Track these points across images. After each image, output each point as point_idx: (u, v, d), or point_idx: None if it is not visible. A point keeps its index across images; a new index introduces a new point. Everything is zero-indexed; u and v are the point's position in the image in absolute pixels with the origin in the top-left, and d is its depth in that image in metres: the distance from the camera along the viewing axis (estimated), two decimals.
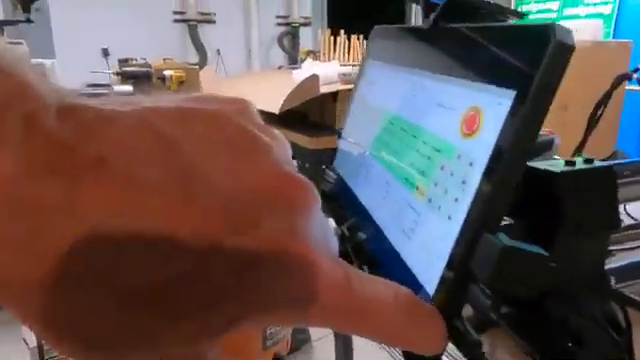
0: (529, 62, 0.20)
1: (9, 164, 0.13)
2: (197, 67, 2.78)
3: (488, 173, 0.21)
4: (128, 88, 1.83)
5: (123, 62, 4.71)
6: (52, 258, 0.13)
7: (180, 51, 5.37)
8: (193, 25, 5.39)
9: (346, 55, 5.69)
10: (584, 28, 3.53)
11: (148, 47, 4.99)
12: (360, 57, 5.83)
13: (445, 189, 0.24)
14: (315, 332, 1.02)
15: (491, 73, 0.23)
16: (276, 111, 2.20)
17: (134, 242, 0.14)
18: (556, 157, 0.56)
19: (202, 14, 5.44)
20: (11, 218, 0.13)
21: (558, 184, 0.28)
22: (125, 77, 2.25)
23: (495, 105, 0.22)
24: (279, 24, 5.99)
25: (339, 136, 0.44)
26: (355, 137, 0.42)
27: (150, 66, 2.46)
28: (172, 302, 0.15)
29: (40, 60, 2.85)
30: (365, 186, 0.35)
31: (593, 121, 0.75)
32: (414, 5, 7.02)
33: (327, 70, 2.66)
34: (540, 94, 0.19)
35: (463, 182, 0.23)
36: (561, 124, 3.84)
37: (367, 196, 0.34)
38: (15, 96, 0.14)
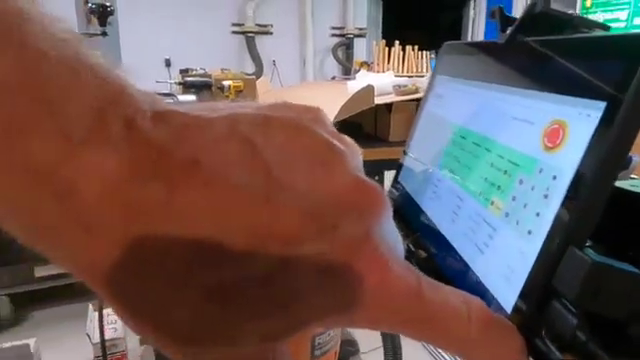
0: (622, 72, 0.19)
1: (114, 165, 0.14)
2: (254, 77, 2.85)
3: (574, 188, 0.21)
4: (192, 97, 1.90)
5: (184, 72, 4.93)
6: (149, 253, 0.14)
7: (237, 61, 5.54)
8: (250, 37, 5.55)
9: (401, 66, 5.66)
10: None
11: (207, 57, 5.19)
12: (415, 68, 5.78)
13: (524, 203, 0.24)
14: (364, 344, 1.01)
15: (577, 85, 0.23)
16: (332, 120, 2.21)
17: (225, 241, 0.15)
18: (634, 177, 0.54)
19: (259, 26, 5.59)
20: (117, 217, 0.14)
21: None
22: (187, 87, 2.34)
23: (583, 117, 0.21)
24: (334, 35, 6.06)
25: (404, 152, 0.44)
26: (422, 151, 0.41)
27: (210, 76, 2.55)
28: (254, 300, 0.15)
29: None
30: (434, 201, 0.35)
31: None
32: (471, 14, 6.90)
33: (381, 81, 2.65)
34: (634, 106, 0.19)
35: (545, 196, 0.22)
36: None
37: (436, 211, 0.34)
38: (113, 100, 0.15)
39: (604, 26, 0.27)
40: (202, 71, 4.67)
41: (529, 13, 0.26)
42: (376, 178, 2.42)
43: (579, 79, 0.22)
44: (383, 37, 6.57)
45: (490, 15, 0.32)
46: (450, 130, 0.35)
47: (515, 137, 0.26)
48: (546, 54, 0.26)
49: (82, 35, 0.17)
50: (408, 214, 0.40)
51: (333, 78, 5.79)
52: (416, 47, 5.62)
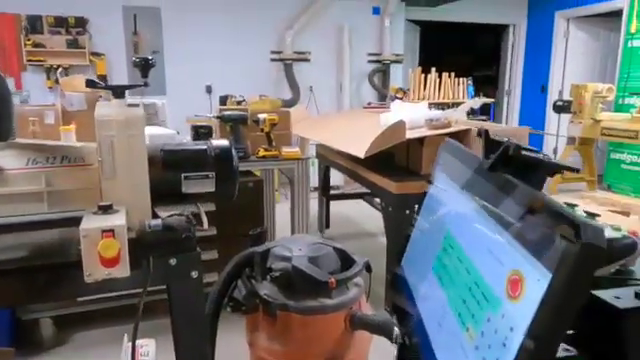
0: (563, 253, 0.22)
1: None
2: (288, 110, 2.92)
3: (524, 346, 0.23)
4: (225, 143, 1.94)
5: (224, 98, 5.10)
6: None
7: (275, 88, 5.68)
8: (289, 63, 5.68)
9: (437, 92, 5.66)
10: None
11: (246, 84, 5.36)
12: (451, 94, 5.75)
13: (489, 344, 0.26)
14: None
15: (537, 246, 0.25)
16: (361, 155, 2.24)
17: None
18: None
19: (297, 53, 5.72)
20: None
21: (621, 323, 0.29)
22: (224, 120, 2.43)
23: (535, 279, 0.24)
24: (370, 61, 6.12)
25: (406, 238, 0.47)
26: (422, 245, 0.44)
27: (246, 110, 2.63)
28: None
29: (153, 100, 3.19)
30: (426, 302, 0.38)
31: None
32: (510, 39, 6.81)
33: (414, 114, 2.67)
34: (571, 288, 0.21)
35: (504, 345, 0.25)
36: None
37: (426, 313, 0.37)
38: None
39: (572, 169, 0.29)
40: (241, 98, 4.82)
41: (502, 154, 0.29)
42: (407, 212, 2.42)
43: (539, 241, 0.25)
44: (420, 63, 6.59)
45: (477, 134, 0.35)
46: (442, 233, 0.38)
47: (488, 271, 0.29)
48: (516, 199, 0.29)
49: None
50: (406, 303, 0.42)
51: (369, 104, 5.83)
52: (452, 74, 5.61)
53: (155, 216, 1.17)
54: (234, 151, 1.33)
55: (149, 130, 1.62)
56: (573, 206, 0.60)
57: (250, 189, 2.47)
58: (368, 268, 1.51)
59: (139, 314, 1.09)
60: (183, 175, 1.20)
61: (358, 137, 2.59)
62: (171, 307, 1.16)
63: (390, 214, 2.39)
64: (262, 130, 2.51)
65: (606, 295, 0.30)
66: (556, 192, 5.42)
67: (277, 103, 5.33)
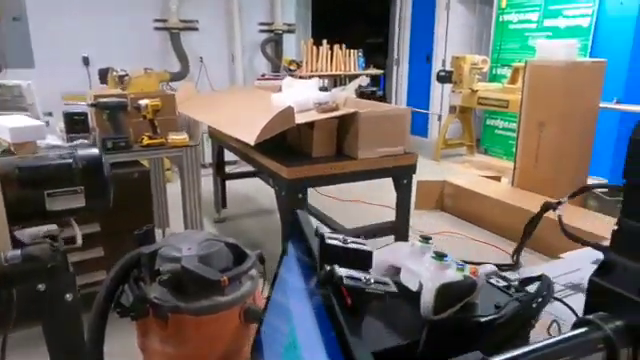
0: None
1: None
2: (173, 94, 2.76)
3: None
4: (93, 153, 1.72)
5: (103, 71, 4.69)
6: None
7: (162, 59, 5.34)
8: (175, 33, 5.36)
9: (329, 65, 5.71)
10: (559, 49, 3.59)
11: (129, 55, 4.96)
12: (343, 66, 5.84)
13: None
14: None
15: None
16: (252, 142, 2.21)
17: None
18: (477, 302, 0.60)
19: (184, 22, 5.41)
20: None
21: None
22: (100, 108, 2.24)
23: None
24: (262, 31, 5.98)
25: (260, 322, 0.47)
26: (274, 324, 0.45)
27: (125, 96, 2.43)
28: None
29: (17, 82, 2.83)
30: None
31: (527, 231, 0.78)
32: (397, 11, 7.02)
33: (303, 94, 2.68)
34: None
35: None
36: (538, 138, 3.90)
37: None
38: None
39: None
40: (123, 72, 4.48)
41: (328, 276, 0.30)
42: (299, 196, 2.45)
43: None
44: (313, 33, 6.58)
45: (314, 232, 0.35)
46: (288, 329, 0.38)
47: None
48: (334, 322, 0.29)
49: None
50: None
51: (263, 76, 5.74)
52: (344, 45, 5.69)
53: (17, 242, 1.06)
54: (105, 159, 1.23)
55: (10, 121, 1.43)
56: (427, 239, 0.64)
57: (135, 180, 2.34)
58: (261, 260, 1.52)
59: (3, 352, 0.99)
60: (46, 192, 1.10)
61: (248, 121, 2.54)
62: (46, 339, 1.08)
63: (283, 198, 2.41)
64: (144, 117, 2.35)
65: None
66: (439, 159, 5.84)
67: (164, 76, 5.03)
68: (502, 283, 0.71)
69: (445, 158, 5.93)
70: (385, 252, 0.66)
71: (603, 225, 2.99)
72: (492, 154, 6.10)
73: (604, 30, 4.74)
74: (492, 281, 0.71)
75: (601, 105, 3.69)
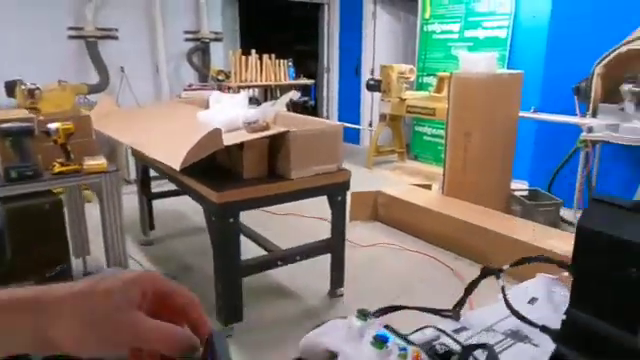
0: None
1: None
2: (88, 115, 2.53)
3: None
4: None
5: (10, 85, 4.28)
6: None
7: (78, 70, 4.98)
8: (92, 42, 5.02)
9: (259, 75, 5.61)
10: (480, 61, 3.73)
11: (38, 66, 4.55)
12: (273, 76, 5.77)
13: None
14: None
15: None
16: (177, 167, 2.08)
17: None
18: None
19: (101, 30, 5.09)
20: None
21: None
22: (2, 135, 2.00)
23: None
24: (188, 39, 5.77)
25: None
26: None
27: (31, 120, 2.19)
28: None
29: None
30: None
31: (468, 291, 0.75)
32: (325, 19, 7.05)
33: (232, 112, 2.57)
34: None
35: None
36: (464, 148, 4.00)
37: None
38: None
39: None
40: (33, 86, 4.12)
41: None
42: (230, 220, 2.33)
43: None
44: (242, 42, 6.44)
45: None
46: None
47: None
48: None
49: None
50: None
51: (190, 86, 5.53)
52: (273, 55, 5.60)
53: None
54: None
55: None
56: (366, 316, 0.58)
57: (46, 213, 2.12)
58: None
59: None
60: None
61: (173, 143, 2.40)
62: None
63: (214, 223, 2.29)
64: (55, 142, 2.14)
65: None
66: (371, 166, 5.92)
67: (81, 89, 4.69)
68: (445, 348, 0.66)
69: (377, 165, 6.02)
70: (320, 333, 0.60)
71: (556, 239, 3.14)
72: (422, 160, 6.27)
73: (520, 41, 5.01)
74: (436, 346, 0.66)
75: (520, 114, 3.88)
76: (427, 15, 5.89)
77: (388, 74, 5.59)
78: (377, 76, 6.01)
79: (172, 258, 3.38)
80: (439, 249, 3.48)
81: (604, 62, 3.51)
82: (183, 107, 3.18)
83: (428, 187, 4.37)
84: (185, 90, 5.36)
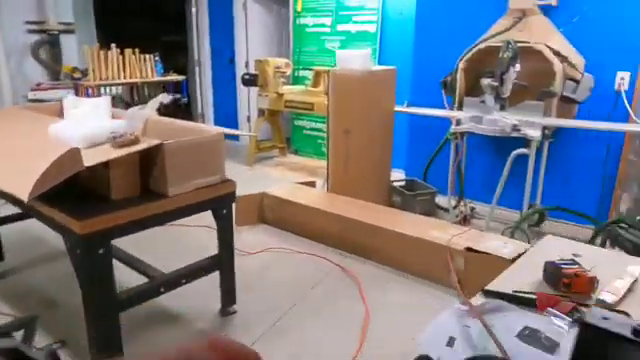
0: None
1: None
2: None
3: None
4: None
5: None
6: None
7: None
8: None
9: (121, 72, 5.08)
10: (356, 58, 3.77)
11: None
12: (138, 73, 5.27)
13: None
14: None
15: None
16: (25, 199, 1.72)
17: None
18: None
19: None
20: None
21: None
22: None
23: None
24: (31, 31, 5.01)
25: None
26: None
27: None
28: None
29: None
30: None
31: None
32: (193, 10, 6.65)
33: (93, 127, 2.23)
34: None
35: None
36: (346, 144, 4.03)
37: None
38: None
39: None
40: None
41: None
42: (100, 251, 2.01)
43: None
44: (99, 35, 5.78)
45: None
46: None
47: None
48: None
49: None
50: None
51: (39, 85, 4.83)
52: (137, 50, 5.10)
53: None
54: None
55: None
56: None
57: None
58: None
59: None
60: None
61: (19, 166, 2.01)
62: None
63: (79, 257, 1.97)
64: None
65: None
66: (253, 164, 5.75)
67: None
68: None
69: (258, 162, 5.87)
70: None
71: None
72: (303, 154, 6.26)
73: (389, 36, 5.19)
74: None
75: (395, 109, 4.01)
76: (299, 8, 5.84)
77: (264, 69, 5.44)
78: (252, 70, 5.83)
79: (30, 293, 2.90)
80: (329, 248, 3.47)
81: (466, 57, 3.74)
82: (30, 117, 2.71)
83: (312, 184, 4.35)
84: (33, 90, 4.67)
